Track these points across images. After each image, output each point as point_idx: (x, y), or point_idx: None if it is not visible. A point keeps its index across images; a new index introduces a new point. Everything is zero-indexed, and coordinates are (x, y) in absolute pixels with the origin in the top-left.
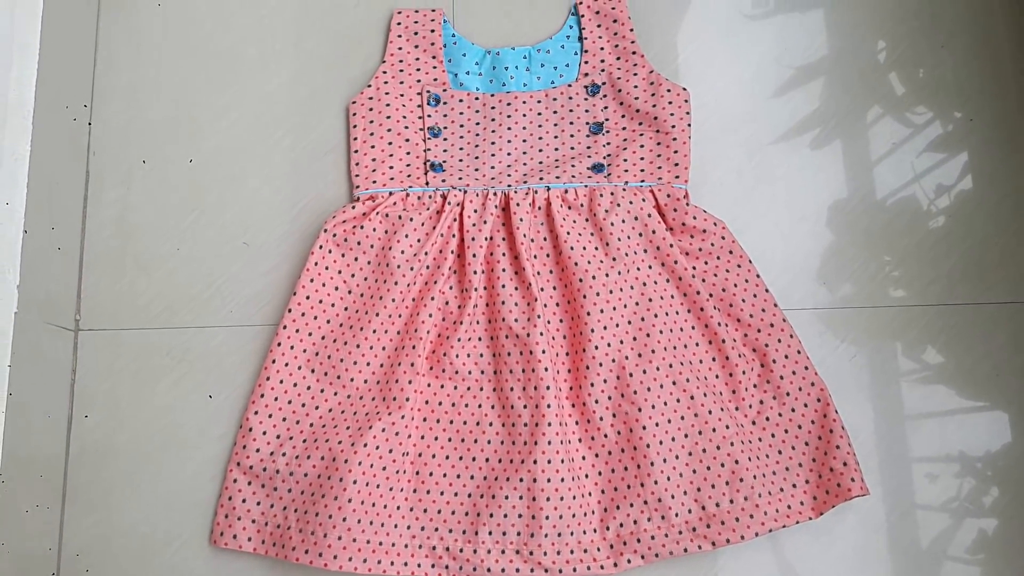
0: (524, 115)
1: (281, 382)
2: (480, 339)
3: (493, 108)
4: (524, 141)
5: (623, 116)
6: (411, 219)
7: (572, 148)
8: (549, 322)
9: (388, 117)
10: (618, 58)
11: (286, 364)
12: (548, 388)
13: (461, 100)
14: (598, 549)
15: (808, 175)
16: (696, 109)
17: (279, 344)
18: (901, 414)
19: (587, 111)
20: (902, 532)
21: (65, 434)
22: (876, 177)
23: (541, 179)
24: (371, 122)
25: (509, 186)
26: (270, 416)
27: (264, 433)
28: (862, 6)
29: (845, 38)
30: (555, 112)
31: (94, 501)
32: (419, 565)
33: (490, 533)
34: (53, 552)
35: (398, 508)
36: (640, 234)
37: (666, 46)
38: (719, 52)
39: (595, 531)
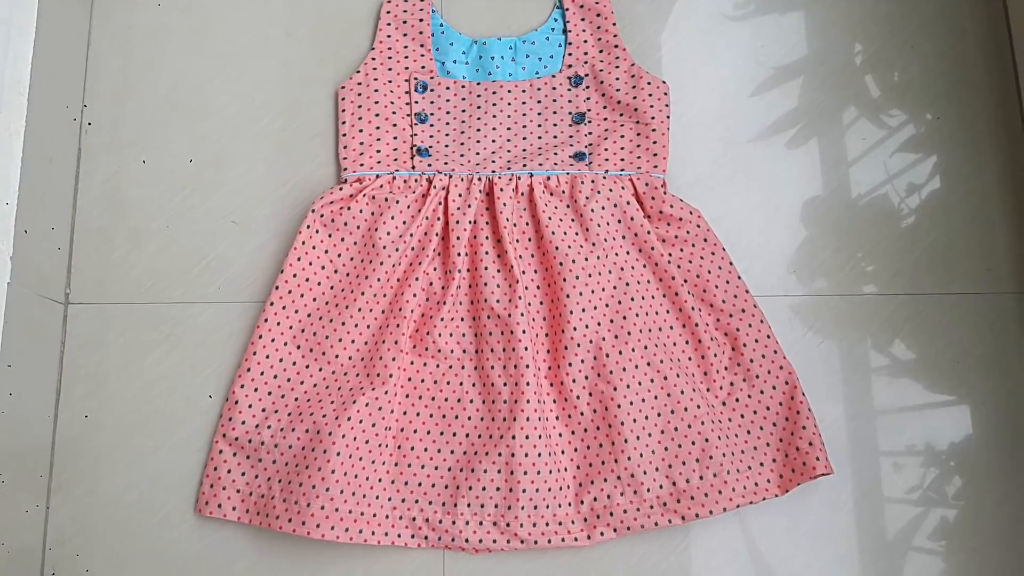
0: (509, 104)
1: (267, 357)
2: (463, 319)
3: (479, 96)
4: (508, 129)
5: (604, 107)
6: (397, 201)
7: (555, 137)
8: (530, 304)
9: (376, 102)
10: (601, 51)
11: (272, 340)
12: (527, 367)
13: (448, 88)
14: (572, 522)
15: (783, 172)
16: (675, 103)
17: (266, 320)
18: (869, 403)
19: (570, 101)
20: (865, 513)
21: (53, 405)
22: (851, 176)
23: (524, 166)
24: (359, 107)
25: (493, 172)
26: (256, 390)
27: (250, 406)
28: (839, 9)
29: (823, 40)
30: (539, 102)
31: (81, 470)
32: (399, 535)
33: (468, 505)
34: (40, 518)
35: (380, 480)
36: (619, 221)
37: (648, 42)
38: (699, 50)
39: (570, 505)
